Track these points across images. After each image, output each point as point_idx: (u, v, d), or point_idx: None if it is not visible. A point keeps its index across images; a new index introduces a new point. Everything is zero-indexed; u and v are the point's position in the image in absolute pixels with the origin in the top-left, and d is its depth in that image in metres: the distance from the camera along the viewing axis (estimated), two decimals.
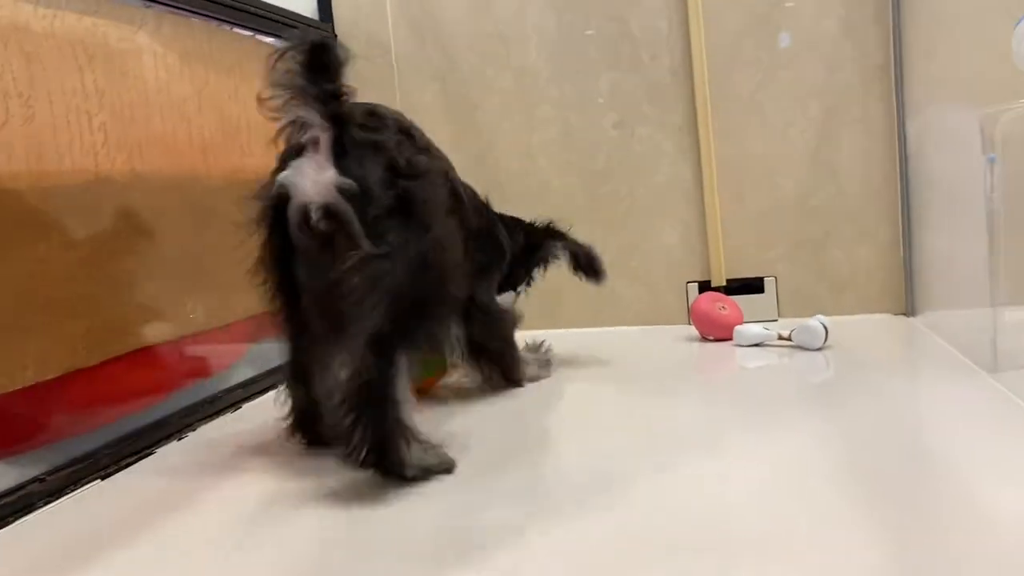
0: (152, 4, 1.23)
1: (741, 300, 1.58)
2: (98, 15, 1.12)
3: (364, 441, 0.84)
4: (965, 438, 0.93)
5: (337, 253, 0.86)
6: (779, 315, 1.64)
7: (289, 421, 1.06)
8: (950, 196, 1.39)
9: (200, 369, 1.30)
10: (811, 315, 1.39)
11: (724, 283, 1.66)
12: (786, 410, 1.08)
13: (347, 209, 0.84)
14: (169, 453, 1.12)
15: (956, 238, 1.35)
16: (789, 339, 1.41)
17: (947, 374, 1.19)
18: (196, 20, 1.34)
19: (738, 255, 1.66)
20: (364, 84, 1.78)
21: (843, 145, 1.59)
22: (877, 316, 1.60)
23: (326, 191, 0.85)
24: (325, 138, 0.86)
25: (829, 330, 1.36)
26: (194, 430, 1.20)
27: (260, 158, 1.49)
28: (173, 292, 1.24)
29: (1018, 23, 1.19)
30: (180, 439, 1.17)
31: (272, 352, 1.48)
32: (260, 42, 1.53)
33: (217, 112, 1.37)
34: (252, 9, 1.47)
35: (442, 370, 1.30)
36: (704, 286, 1.66)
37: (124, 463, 1.06)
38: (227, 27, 1.43)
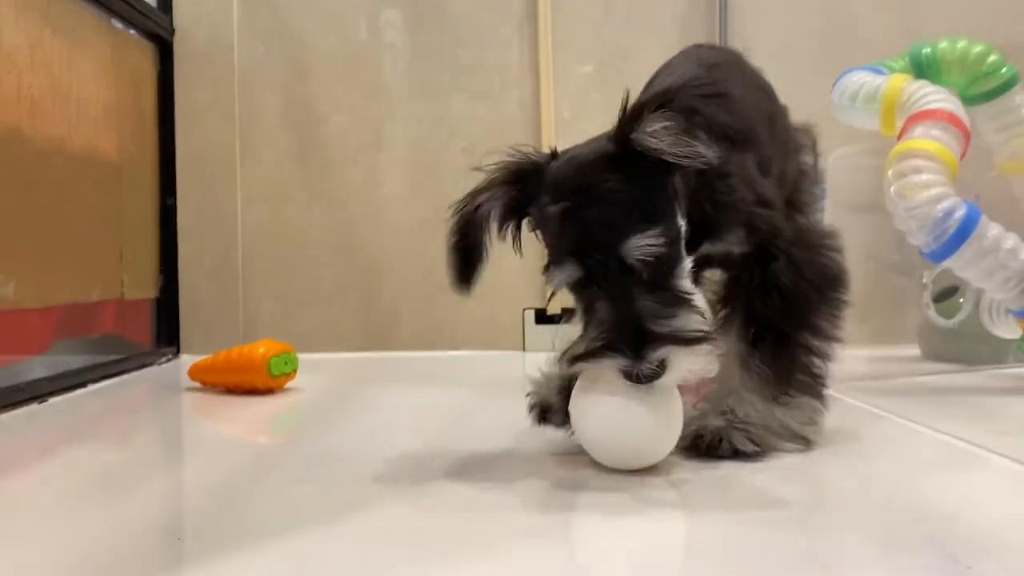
0: None
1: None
2: None
3: None
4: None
5: None
6: None
7: None
8: None
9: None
10: None
11: (560, 311, 1.70)
12: None
13: None
14: None
15: None
16: None
17: None
18: None
19: None
20: (200, 82, 1.71)
21: None
22: None
23: None
24: None
25: None
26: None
27: (85, 137, 1.36)
28: None
29: (837, 80, 1.36)
30: None
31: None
32: (99, 17, 1.41)
33: (48, 74, 1.23)
34: None
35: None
36: (540, 313, 1.71)
37: None
38: None
